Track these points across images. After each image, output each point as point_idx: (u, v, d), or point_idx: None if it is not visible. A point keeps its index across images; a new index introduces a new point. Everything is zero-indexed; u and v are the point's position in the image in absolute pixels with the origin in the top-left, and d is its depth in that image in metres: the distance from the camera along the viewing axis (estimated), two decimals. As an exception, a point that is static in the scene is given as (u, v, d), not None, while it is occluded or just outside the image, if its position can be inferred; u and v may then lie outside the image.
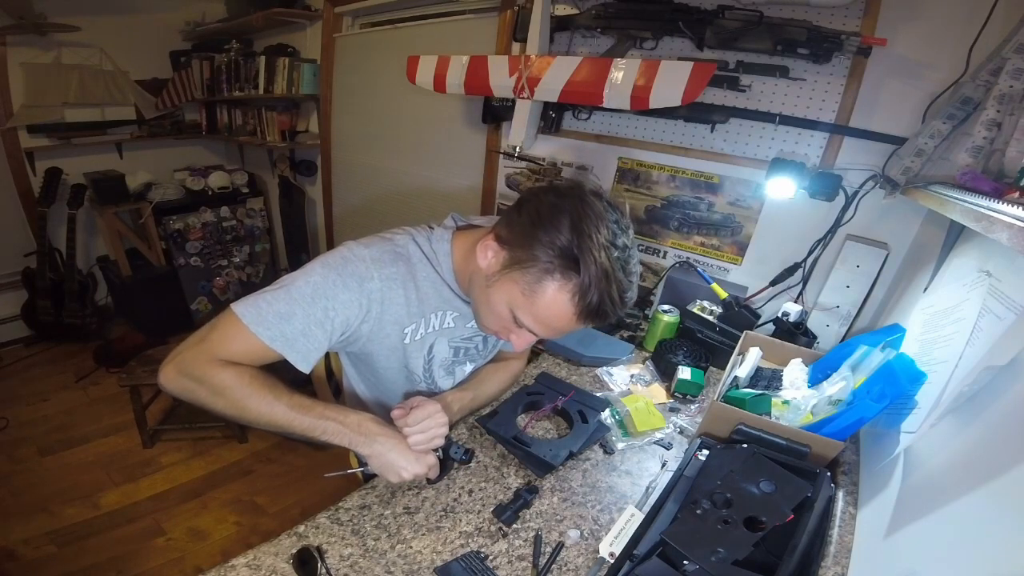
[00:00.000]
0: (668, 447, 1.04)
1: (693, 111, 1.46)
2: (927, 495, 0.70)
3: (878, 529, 0.76)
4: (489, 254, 0.80)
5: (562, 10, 1.63)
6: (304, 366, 0.78)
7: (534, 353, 1.35)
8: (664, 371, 1.29)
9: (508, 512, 0.82)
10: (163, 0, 3.11)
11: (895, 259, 1.29)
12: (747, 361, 1.15)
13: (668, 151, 1.61)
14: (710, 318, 1.38)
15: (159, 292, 3.05)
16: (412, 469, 0.80)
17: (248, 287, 3.37)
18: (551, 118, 1.79)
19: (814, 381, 1.09)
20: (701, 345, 1.36)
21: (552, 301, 0.75)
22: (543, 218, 0.75)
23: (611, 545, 0.77)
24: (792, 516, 0.72)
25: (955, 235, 0.97)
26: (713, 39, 1.36)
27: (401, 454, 0.80)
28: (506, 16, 1.87)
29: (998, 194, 0.78)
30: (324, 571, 0.71)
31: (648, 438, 1.05)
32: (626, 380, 1.27)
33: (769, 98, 1.39)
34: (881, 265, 1.29)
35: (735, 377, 1.10)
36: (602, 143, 1.76)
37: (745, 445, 0.88)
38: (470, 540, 0.79)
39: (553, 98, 1.58)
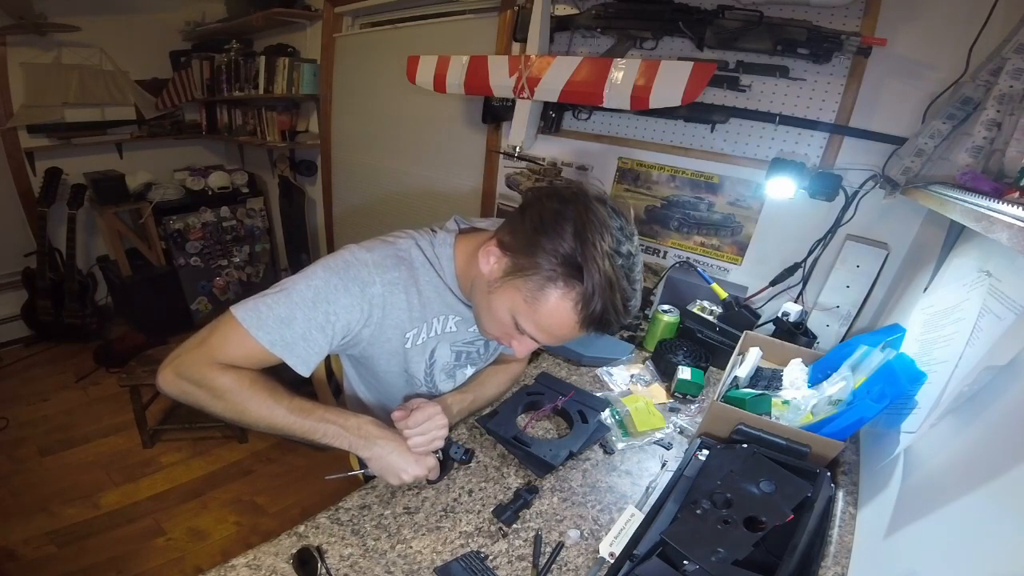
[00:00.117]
0: (668, 447, 1.04)
1: (693, 111, 1.46)
2: (927, 495, 0.70)
3: (878, 529, 0.76)
4: (491, 260, 0.79)
5: (562, 10, 1.63)
6: (304, 370, 0.78)
7: (534, 353, 1.34)
8: (664, 371, 1.29)
9: (508, 512, 0.82)
10: (163, 0, 3.11)
11: (895, 259, 1.29)
12: (747, 361, 1.15)
13: (668, 151, 1.61)
14: (710, 318, 1.39)
15: (159, 292, 3.05)
16: (412, 471, 0.80)
17: (248, 287, 3.37)
18: (551, 118, 1.79)
19: (814, 381, 1.09)
20: (701, 345, 1.36)
21: (555, 309, 0.74)
22: (546, 225, 0.74)
23: (611, 545, 0.77)
24: (792, 516, 0.72)
25: (955, 235, 0.97)
26: (713, 39, 1.36)
27: (401, 456, 0.80)
28: (506, 16, 1.87)
29: (998, 194, 0.78)
30: (324, 571, 0.71)
31: (648, 438, 1.05)
32: (626, 380, 1.28)
33: (769, 98, 1.39)
34: (881, 265, 1.29)
35: (735, 377, 1.10)
36: (602, 143, 1.75)
37: (745, 445, 0.88)
38: (470, 540, 0.79)
39: (553, 98, 1.57)
